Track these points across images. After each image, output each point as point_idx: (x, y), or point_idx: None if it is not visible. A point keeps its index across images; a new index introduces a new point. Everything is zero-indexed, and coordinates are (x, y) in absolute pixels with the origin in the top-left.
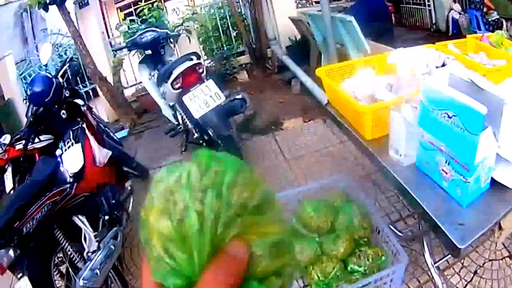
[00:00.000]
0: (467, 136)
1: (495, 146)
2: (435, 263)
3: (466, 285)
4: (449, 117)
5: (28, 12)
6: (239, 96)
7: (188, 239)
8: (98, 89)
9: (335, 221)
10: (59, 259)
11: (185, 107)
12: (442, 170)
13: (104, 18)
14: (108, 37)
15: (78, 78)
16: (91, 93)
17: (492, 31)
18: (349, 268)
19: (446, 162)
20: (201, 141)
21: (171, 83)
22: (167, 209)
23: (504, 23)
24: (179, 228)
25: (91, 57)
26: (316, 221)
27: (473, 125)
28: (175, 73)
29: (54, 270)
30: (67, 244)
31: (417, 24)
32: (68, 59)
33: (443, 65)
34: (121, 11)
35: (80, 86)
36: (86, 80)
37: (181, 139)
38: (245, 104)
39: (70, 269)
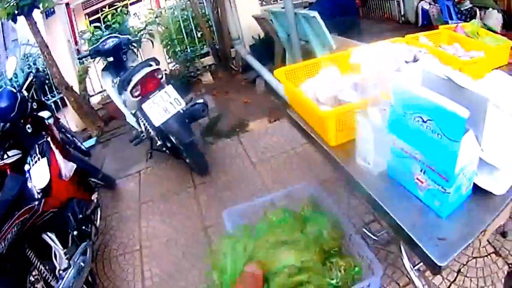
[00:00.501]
0: (445, 143)
1: (477, 151)
2: (414, 265)
3: (450, 285)
4: (423, 121)
5: (0, 23)
6: (200, 101)
7: None
8: (66, 99)
9: (303, 233)
10: (35, 277)
11: (145, 115)
12: (417, 179)
13: (72, 26)
14: (76, 44)
15: (46, 88)
16: (59, 103)
17: (465, 21)
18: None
19: (421, 170)
20: (164, 149)
21: (130, 91)
22: None
23: (478, 12)
24: None
25: (57, 66)
26: (283, 233)
27: (452, 130)
28: (134, 80)
29: None
30: (39, 264)
31: (385, 16)
32: (32, 72)
33: (415, 60)
34: (88, 17)
35: (49, 96)
36: (54, 90)
37: (146, 146)
38: (206, 108)
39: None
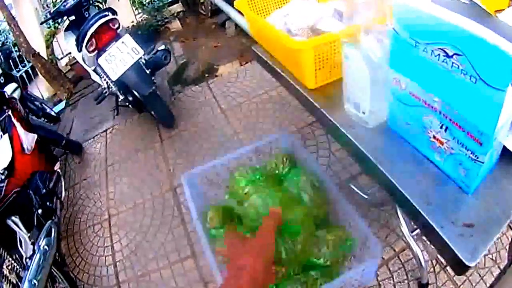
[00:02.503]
0: (484, 90)
1: None
2: (413, 231)
3: None
4: (447, 56)
5: None
6: (162, 47)
7: None
8: (35, 66)
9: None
10: (9, 268)
11: (103, 69)
12: (434, 138)
13: None
14: (43, 8)
15: (17, 60)
16: (31, 73)
17: None
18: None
19: (441, 127)
20: (127, 103)
21: (86, 46)
22: None
23: None
24: None
25: (24, 36)
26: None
27: (496, 73)
28: (88, 34)
29: (5, 281)
30: (6, 254)
31: None
32: None
33: None
34: None
35: (20, 67)
36: (25, 60)
37: (112, 103)
38: (168, 55)
39: (17, 281)
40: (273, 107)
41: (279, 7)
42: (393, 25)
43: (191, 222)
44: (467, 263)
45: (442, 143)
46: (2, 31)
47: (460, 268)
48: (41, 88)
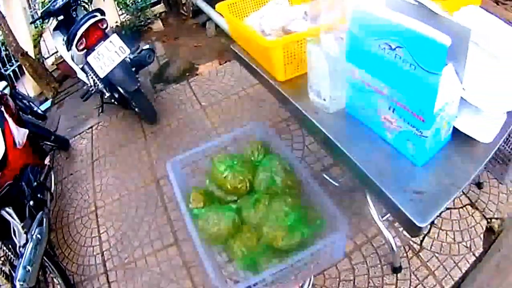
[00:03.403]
0: (421, 75)
1: (458, 88)
2: (383, 216)
3: (424, 238)
4: (391, 49)
5: None
6: (146, 47)
7: None
8: (22, 65)
9: (254, 180)
10: (3, 260)
11: (91, 67)
12: (385, 118)
13: None
14: (30, 8)
15: (5, 59)
16: (18, 72)
17: None
18: None
19: (390, 108)
20: (113, 100)
21: (76, 45)
22: None
23: None
24: None
25: (13, 35)
26: (232, 181)
27: (431, 60)
28: (79, 33)
29: None
30: (0, 244)
31: None
32: None
33: None
34: None
35: (7, 66)
36: (13, 59)
37: (97, 101)
38: (152, 54)
39: (10, 270)
40: (250, 104)
41: (256, 10)
42: (350, 25)
43: (175, 205)
44: (418, 224)
45: (391, 123)
46: None
47: (413, 230)
48: (27, 87)
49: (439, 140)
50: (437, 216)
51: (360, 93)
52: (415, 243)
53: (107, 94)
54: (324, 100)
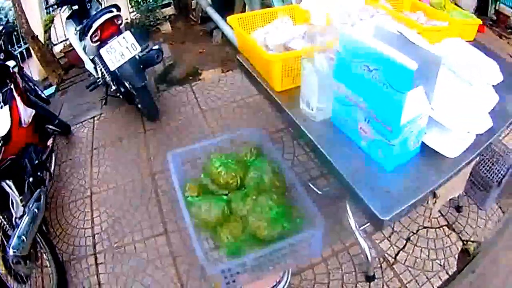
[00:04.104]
0: (391, 93)
1: (427, 108)
2: (361, 226)
3: (399, 252)
4: (369, 70)
5: None
6: (156, 47)
7: None
8: (31, 48)
9: (245, 178)
10: None
11: (102, 59)
12: (361, 128)
13: None
14: None
15: (14, 39)
16: (25, 53)
17: None
18: None
19: (365, 120)
20: (118, 94)
21: (90, 36)
22: None
23: None
24: None
25: (25, 17)
26: (225, 177)
27: (399, 81)
28: (94, 26)
29: None
30: None
31: None
32: (2, 24)
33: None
34: None
35: (16, 47)
36: (21, 40)
37: (102, 93)
38: (161, 55)
39: (3, 239)
40: (247, 112)
41: (263, 26)
42: (339, 48)
43: (168, 198)
44: (380, 217)
45: (366, 132)
46: (1, 8)
47: (377, 223)
48: (33, 70)
49: (406, 150)
50: (404, 214)
51: (343, 105)
52: (390, 256)
53: (113, 87)
54: (312, 109)
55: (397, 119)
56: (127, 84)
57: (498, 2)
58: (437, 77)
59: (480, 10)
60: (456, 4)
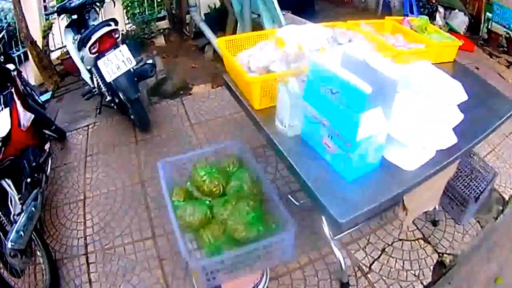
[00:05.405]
0: (349, 113)
1: (384, 126)
2: (335, 235)
3: (373, 262)
4: (332, 93)
5: None
6: (150, 61)
7: None
8: (29, 53)
9: (227, 186)
10: None
11: (99, 70)
12: (325, 143)
13: None
14: (44, 1)
15: (13, 42)
16: (22, 57)
17: None
18: None
19: (329, 136)
20: (112, 104)
21: (89, 48)
22: None
23: (443, 11)
24: None
25: (25, 21)
26: (209, 185)
27: (356, 103)
28: (93, 38)
29: None
30: None
31: (346, 0)
32: (3, 26)
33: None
34: None
35: (14, 50)
36: (20, 44)
37: (96, 102)
38: (154, 69)
39: (1, 234)
40: (234, 127)
41: (249, 47)
42: (308, 73)
43: (157, 204)
44: (338, 220)
45: (329, 146)
46: (1, 10)
47: (335, 225)
48: (29, 75)
49: (365, 163)
50: (362, 220)
51: (311, 123)
52: (365, 265)
53: (108, 98)
54: (285, 126)
55: (354, 136)
56: (121, 95)
57: (490, 21)
58: (395, 99)
59: (472, 29)
60: (447, 24)
